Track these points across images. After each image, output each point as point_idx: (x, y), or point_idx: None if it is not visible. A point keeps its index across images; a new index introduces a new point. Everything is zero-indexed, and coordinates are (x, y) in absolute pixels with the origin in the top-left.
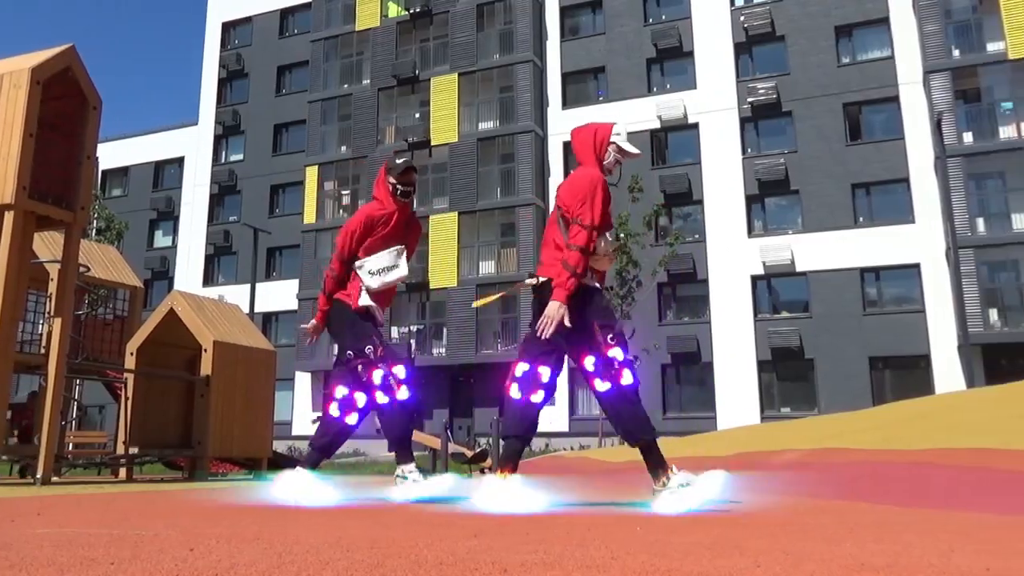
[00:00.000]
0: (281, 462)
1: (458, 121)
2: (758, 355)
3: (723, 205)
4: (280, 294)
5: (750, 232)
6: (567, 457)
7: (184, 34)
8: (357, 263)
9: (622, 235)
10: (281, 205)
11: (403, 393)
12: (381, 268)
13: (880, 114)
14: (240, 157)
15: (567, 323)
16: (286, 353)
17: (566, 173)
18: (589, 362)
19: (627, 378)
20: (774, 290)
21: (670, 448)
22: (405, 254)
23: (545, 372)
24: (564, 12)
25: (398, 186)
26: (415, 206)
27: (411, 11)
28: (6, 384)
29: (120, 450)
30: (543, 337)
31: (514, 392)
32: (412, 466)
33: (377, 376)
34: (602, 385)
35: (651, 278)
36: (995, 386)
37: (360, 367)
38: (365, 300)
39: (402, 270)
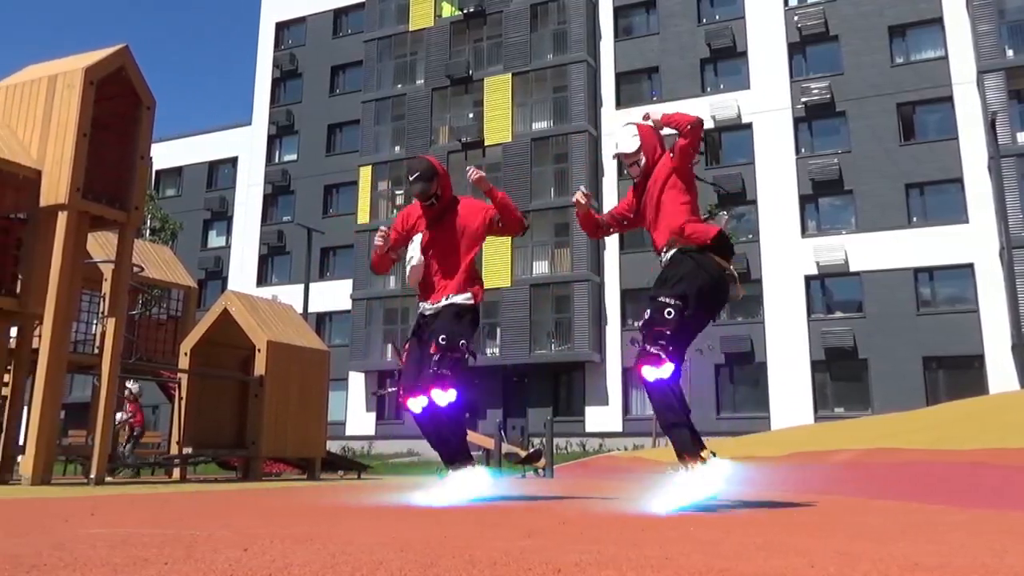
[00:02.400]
0: (335, 462)
1: (512, 121)
2: (812, 355)
3: (777, 205)
4: (334, 294)
5: (804, 232)
6: (621, 457)
7: (238, 34)
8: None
9: None
10: (335, 205)
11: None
12: (408, 257)
13: (934, 114)
14: (294, 157)
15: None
16: (340, 353)
17: (620, 174)
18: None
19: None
20: (828, 290)
21: (724, 449)
22: (419, 239)
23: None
24: (618, 12)
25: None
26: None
27: (465, 11)
28: (60, 384)
29: (174, 450)
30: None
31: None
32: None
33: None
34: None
35: None
36: None
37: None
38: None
39: (414, 258)
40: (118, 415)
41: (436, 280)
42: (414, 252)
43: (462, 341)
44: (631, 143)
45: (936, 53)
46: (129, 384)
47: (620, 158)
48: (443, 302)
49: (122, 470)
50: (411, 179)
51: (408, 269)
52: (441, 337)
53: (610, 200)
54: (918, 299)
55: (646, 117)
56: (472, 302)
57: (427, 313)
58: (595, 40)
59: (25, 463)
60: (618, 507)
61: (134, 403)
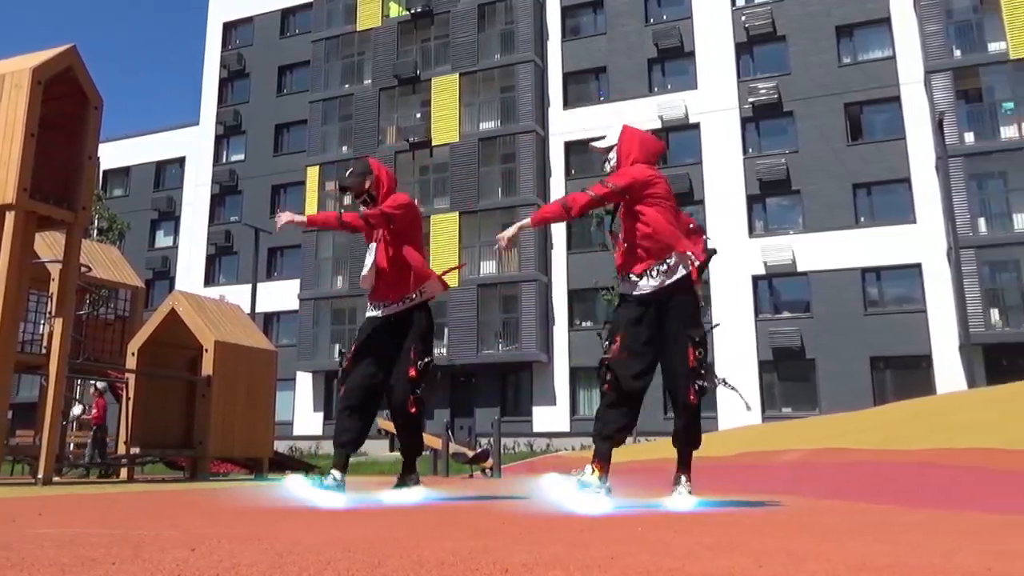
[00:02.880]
0: (282, 462)
1: (459, 121)
2: (759, 355)
3: (724, 205)
4: (281, 294)
5: (751, 232)
6: (568, 457)
7: (185, 34)
8: None
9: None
10: (282, 205)
11: None
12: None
13: (881, 114)
14: (241, 157)
15: None
16: (288, 353)
17: (567, 173)
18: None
19: None
20: (775, 290)
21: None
22: (374, 248)
23: None
24: (565, 12)
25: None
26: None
27: (412, 11)
28: (7, 384)
29: (121, 450)
30: None
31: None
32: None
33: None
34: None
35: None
36: (996, 386)
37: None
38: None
39: (367, 264)
40: (75, 409)
41: (385, 285)
42: (368, 259)
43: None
44: (609, 139)
45: (884, 53)
46: (96, 381)
47: (592, 150)
48: (400, 304)
49: (70, 470)
50: (346, 174)
51: (364, 273)
52: (420, 362)
53: (557, 199)
54: (865, 299)
55: None
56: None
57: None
58: (543, 40)
59: None
60: (565, 508)
61: (101, 398)
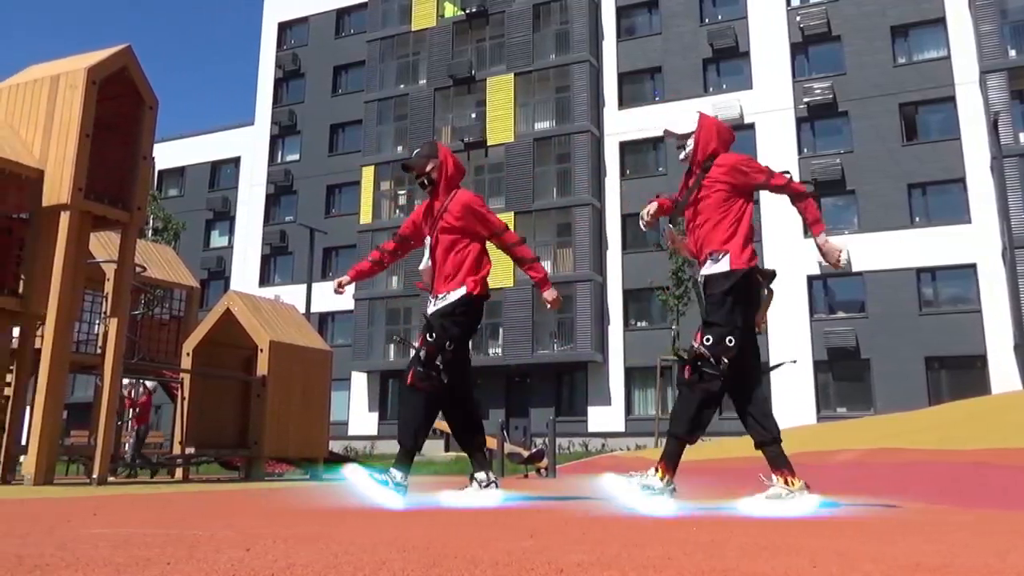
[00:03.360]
0: (337, 462)
1: (514, 121)
2: (814, 355)
3: (780, 205)
4: (336, 294)
5: (806, 232)
6: (624, 457)
7: (241, 34)
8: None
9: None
10: (337, 205)
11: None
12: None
13: (936, 114)
14: (296, 157)
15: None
16: (342, 353)
17: (622, 172)
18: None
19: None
20: (830, 290)
21: (727, 449)
22: (429, 242)
23: None
24: (620, 12)
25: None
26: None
27: (467, 11)
28: (62, 384)
29: (176, 450)
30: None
31: None
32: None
33: None
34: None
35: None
36: None
37: None
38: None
39: (424, 260)
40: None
41: (437, 279)
42: (426, 255)
43: (447, 343)
44: (683, 125)
45: (938, 53)
46: (147, 382)
47: (667, 135)
48: (436, 305)
49: (125, 470)
50: (411, 156)
51: (422, 268)
52: (428, 336)
53: (612, 200)
54: (920, 299)
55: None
56: (458, 296)
57: (427, 313)
58: (598, 40)
59: (28, 463)
60: (620, 508)
61: (148, 396)
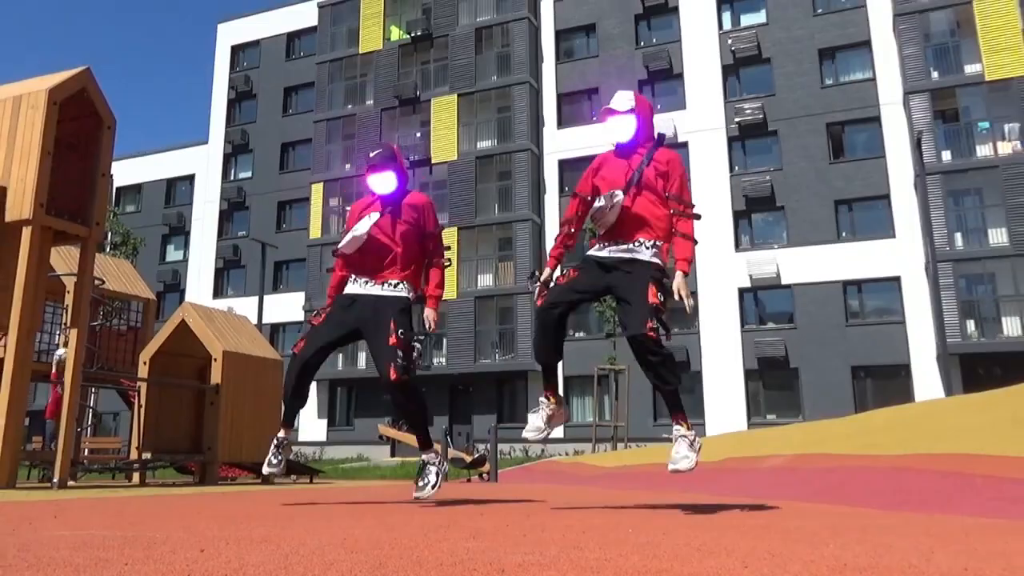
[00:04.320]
0: (288, 467)
1: (457, 140)
2: (745, 364)
3: (711, 221)
4: (287, 306)
5: (737, 246)
6: (562, 463)
7: (195, 57)
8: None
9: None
10: (288, 220)
11: None
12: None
13: (862, 133)
14: (249, 175)
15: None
16: None
17: (561, 190)
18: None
19: None
20: (760, 302)
21: (661, 454)
22: (375, 217)
23: None
24: (559, 35)
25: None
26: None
27: (412, 35)
28: (24, 392)
29: (134, 455)
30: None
31: None
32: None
33: None
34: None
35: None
36: (972, 394)
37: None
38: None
39: (359, 229)
40: (60, 351)
41: (376, 263)
42: (364, 227)
43: (415, 343)
44: (624, 102)
45: (864, 75)
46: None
47: (605, 111)
48: (385, 289)
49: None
50: (372, 154)
51: (349, 238)
52: (401, 332)
53: (551, 216)
54: (847, 311)
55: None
56: (410, 297)
57: (364, 293)
58: (537, 62)
59: None
60: (558, 510)
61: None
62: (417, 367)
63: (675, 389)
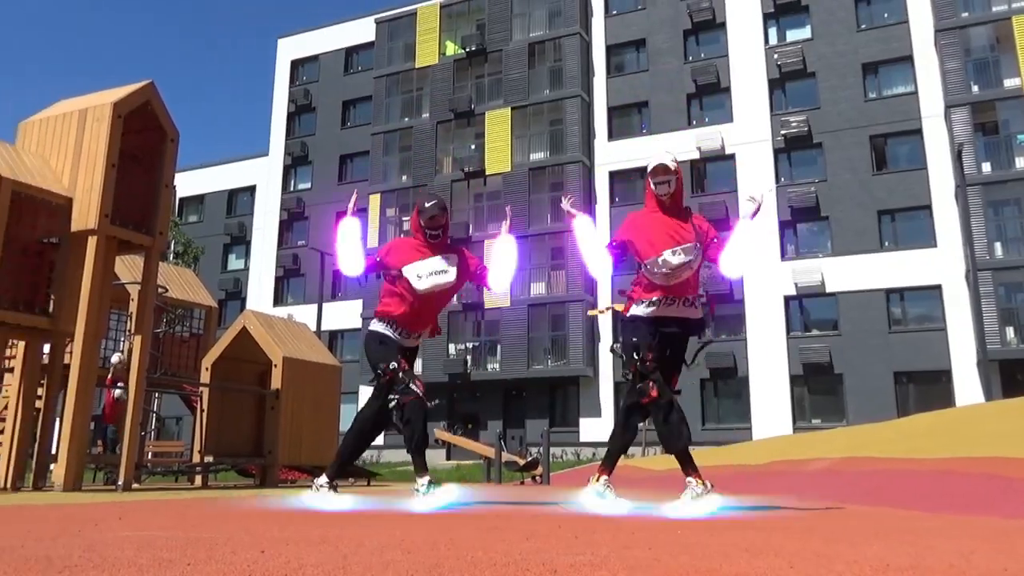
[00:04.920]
0: (346, 470)
1: (511, 152)
2: (790, 370)
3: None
4: (345, 313)
5: (783, 255)
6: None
7: (256, 72)
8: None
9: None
10: None
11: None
12: (431, 272)
13: (904, 145)
14: (308, 186)
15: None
16: (351, 368)
17: (611, 200)
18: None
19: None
20: (805, 309)
21: (709, 458)
22: (457, 261)
23: None
24: (610, 50)
25: (427, 230)
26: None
27: (467, 50)
28: (90, 398)
29: (196, 459)
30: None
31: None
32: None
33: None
34: None
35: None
36: (1012, 399)
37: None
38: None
39: (450, 276)
40: (113, 358)
41: (427, 318)
42: (450, 271)
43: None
44: (672, 161)
45: (906, 88)
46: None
47: (658, 170)
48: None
49: (148, 477)
50: (428, 204)
51: (436, 280)
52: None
53: (602, 226)
54: (890, 318)
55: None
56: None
57: (408, 347)
58: (589, 76)
59: (57, 471)
60: (611, 511)
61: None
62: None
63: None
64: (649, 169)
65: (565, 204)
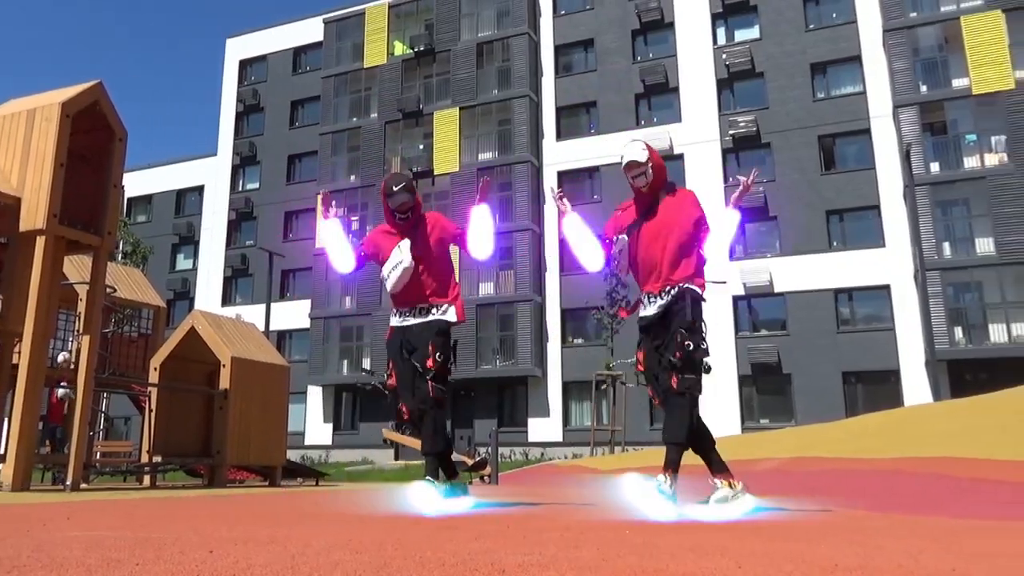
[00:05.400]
0: (295, 470)
1: (459, 152)
2: (739, 370)
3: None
4: (294, 313)
5: (731, 255)
6: (561, 466)
7: (205, 72)
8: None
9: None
10: (295, 230)
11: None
12: (391, 267)
13: (852, 145)
14: (256, 186)
15: None
16: (299, 368)
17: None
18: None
19: None
20: (754, 309)
21: (657, 457)
22: (408, 245)
23: None
24: (558, 50)
25: (396, 213)
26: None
27: (416, 50)
28: (38, 397)
29: (144, 459)
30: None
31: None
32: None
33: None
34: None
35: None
36: (960, 399)
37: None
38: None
39: (404, 260)
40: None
41: (419, 291)
42: (404, 256)
43: (451, 363)
44: (641, 154)
45: (855, 88)
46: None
47: (630, 166)
48: (430, 316)
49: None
50: (396, 188)
51: (396, 273)
52: (438, 354)
53: (550, 226)
54: (838, 318)
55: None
56: (455, 320)
57: (410, 324)
58: (537, 76)
59: (5, 471)
60: (557, 512)
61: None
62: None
63: (675, 443)
64: (622, 166)
65: (559, 203)
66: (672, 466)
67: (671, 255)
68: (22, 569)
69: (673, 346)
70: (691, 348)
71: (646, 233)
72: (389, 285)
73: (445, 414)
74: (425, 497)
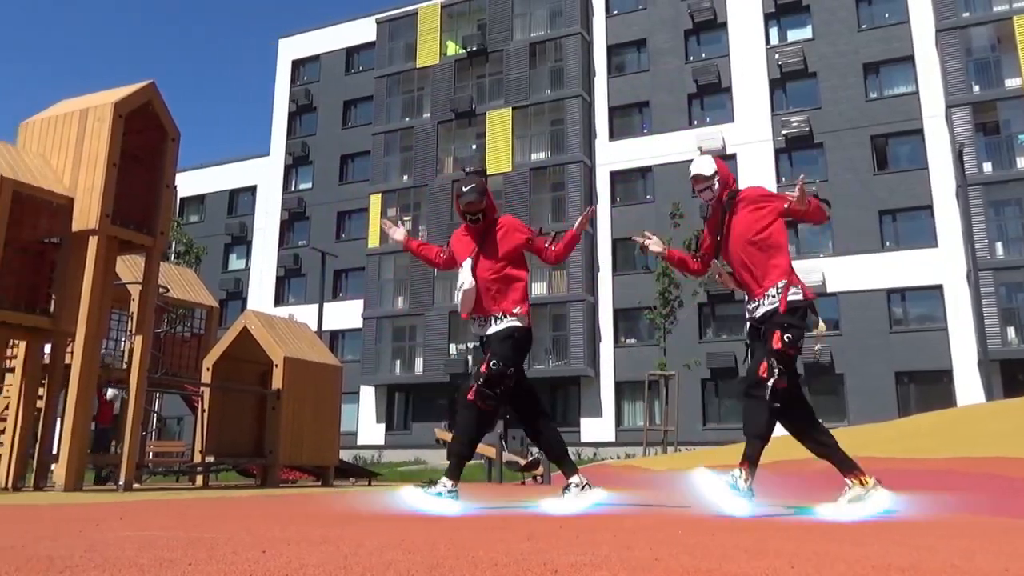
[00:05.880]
0: (347, 470)
1: (512, 152)
2: None
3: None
4: (346, 313)
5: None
6: (614, 465)
7: (257, 72)
8: None
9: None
10: (347, 230)
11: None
12: (458, 289)
13: (905, 145)
14: (309, 186)
15: None
16: (352, 368)
17: (613, 200)
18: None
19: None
20: None
21: (713, 457)
22: (469, 264)
23: None
24: (611, 50)
25: (466, 214)
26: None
27: (468, 50)
28: (90, 397)
29: (197, 459)
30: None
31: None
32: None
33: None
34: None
35: (692, 298)
36: (1013, 399)
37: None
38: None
39: (465, 283)
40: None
41: (488, 301)
42: (465, 278)
43: (510, 369)
44: (708, 167)
45: (907, 88)
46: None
47: (697, 179)
48: (496, 325)
49: (150, 476)
50: (465, 189)
51: (459, 295)
52: (492, 362)
53: (603, 226)
54: (891, 318)
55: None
56: (521, 324)
57: (486, 334)
58: (590, 76)
59: (58, 471)
60: (611, 512)
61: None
62: (495, 400)
63: (748, 437)
64: (690, 178)
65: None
66: (749, 461)
67: (757, 268)
68: (75, 569)
69: (770, 336)
70: (788, 340)
71: (726, 247)
72: (461, 309)
73: (474, 419)
74: (412, 499)
